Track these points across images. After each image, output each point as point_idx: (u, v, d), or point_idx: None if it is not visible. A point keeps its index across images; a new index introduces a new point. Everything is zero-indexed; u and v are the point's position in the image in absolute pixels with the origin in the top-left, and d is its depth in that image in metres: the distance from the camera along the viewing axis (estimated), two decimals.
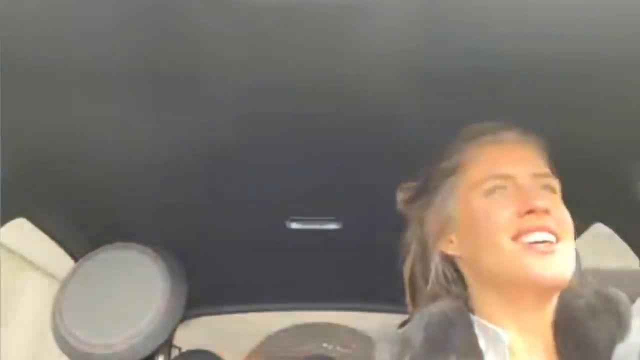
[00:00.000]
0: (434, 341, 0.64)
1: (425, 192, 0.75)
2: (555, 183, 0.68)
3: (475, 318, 0.67)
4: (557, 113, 0.89)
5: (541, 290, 0.62)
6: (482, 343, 0.64)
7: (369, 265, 1.40)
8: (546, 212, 0.62)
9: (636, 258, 1.10)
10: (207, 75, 0.81)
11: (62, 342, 1.10)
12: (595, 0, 0.67)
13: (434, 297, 0.71)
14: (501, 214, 0.63)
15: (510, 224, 0.62)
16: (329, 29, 0.71)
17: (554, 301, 0.65)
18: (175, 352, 1.76)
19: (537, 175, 0.67)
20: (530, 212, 0.62)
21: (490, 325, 0.65)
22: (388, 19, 0.69)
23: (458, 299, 0.70)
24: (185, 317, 1.75)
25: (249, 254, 1.55)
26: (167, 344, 1.70)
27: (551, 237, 0.61)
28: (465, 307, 0.69)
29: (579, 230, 1.19)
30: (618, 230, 1.13)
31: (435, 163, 0.74)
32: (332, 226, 1.38)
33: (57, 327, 1.10)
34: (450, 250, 0.70)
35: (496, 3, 0.67)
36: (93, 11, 0.67)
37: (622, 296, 0.66)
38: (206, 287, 1.51)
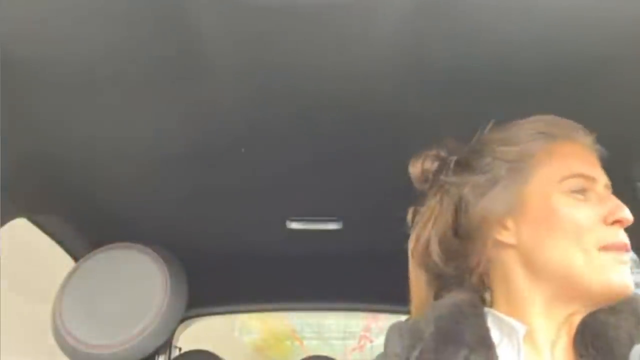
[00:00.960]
0: (444, 334, 0.63)
1: (470, 169, 0.70)
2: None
3: (488, 310, 0.67)
4: (557, 113, 0.89)
5: (613, 297, 0.62)
6: (495, 335, 0.64)
7: (369, 265, 1.40)
8: (628, 224, 0.64)
9: (636, 258, 1.09)
10: (207, 77, 0.81)
11: (62, 342, 1.10)
12: (595, 1, 0.67)
13: (450, 286, 0.70)
14: (587, 217, 0.63)
15: (595, 231, 0.62)
16: (329, 29, 0.71)
17: None
18: (175, 352, 1.76)
19: (607, 187, 0.67)
20: (616, 222, 0.63)
21: (505, 318, 0.65)
22: (388, 18, 0.69)
23: (475, 292, 0.69)
24: (185, 317, 1.75)
25: (249, 254, 1.56)
26: (167, 344, 1.70)
27: (628, 249, 0.63)
28: (480, 300, 0.68)
29: None
30: None
31: (487, 143, 0.71)
32: (332, 226, 1.38)
33: (57, 327, 1.10)
34: (504, 237, 0.67)
35: (495, 3, 0.67)
36: (93, 11, 0.67)
37: None
38: (206, 287, 1.51)
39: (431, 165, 0.74)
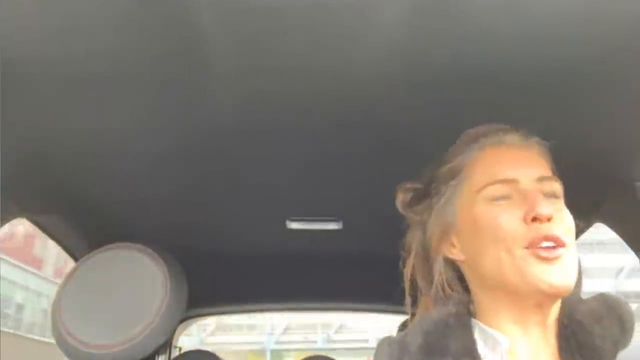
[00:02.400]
0: (431, 346, 0.64)
1: (426, 195, 0.74)
2: (558, 187, 0.68)
3: (476, 322, 0.67)
4: (557, 113, 0.89)
5: (545, 297, 0.62)
6: (481, 347, 0.64)
7: (369, 266, 1.40)
8: (549, 219, 0.62)
9: (636, 258, 1.10)
10: (207, 76, 0.81)
11: (62, 342, 1.09)
12: (594, 1, 0.67)
13: (436, 301, 0.71)
14: (508, 221, 0.63)
15: (518, 232, 0.62)
16: (328, 28, 0.71)
17: (556, 306, 0.65)
18: (175, 352, 1.76)
19: (541, 179, 0.66)
20: (534, 219, 0.62)
21: (489, 330, 0.65)
22: (386, 18, 0.69)
23: (460, 304, 0.69)
24: (185, 317, 1.76)
25: (249, 254, 1.56)
26: (167, 344, 1.70)
27: (553, 244, 0.61)
28: (467, 312, 0.69)
29: (579, 230, 1.20)
30: (618, 230, 1.13)
31: (436, 166, 0.74)
32: (332, 226, 1.38)
33: (56, 327, 1.10)
34: (453, 255, 0.70)
35: (493, 3, 0.67)
36: (93, 11, 0.67)
37: (625, 303, 0.66)
38: (206, 287, 1.51)
39: (404, 197, 0.78)
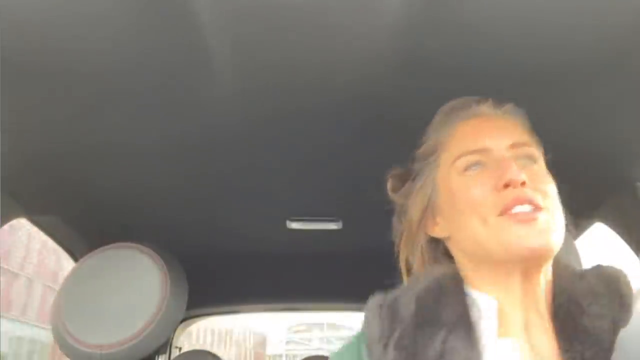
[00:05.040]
0: (424, 314, 0.62)
1: (408, 178, 0.74)
2: (535, 151, 0.66)
3: (468, 287, 0.66)
4: (557, 113, 0.89)
5: (524, 260, 0.60)
6: (474, 313, 0.62)
7: (369, 265, 1.40)
8: (523, 184, 0.61)
9: (636, 258, 1.10)
10: (207, 76, 0.81)
11: (62, 342, 1.09)
12: (594, 3, 0.67)
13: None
14: (480, 190, 0.62)
15: (490, 200, 0.61)
16: (328, 28, 0.71)
17: (545, 275, 0.63)
18: (175, 352, 1.76)
19: (515, 146, 0.65)
20: (506, 185, 0.61)
21: (478, 294, 0.64)
22: (387, 16, 0.69)
23: (453, 269, 0.68)
24: (185, 317, 1.76)
25: (249, 254, 1.56)
26: (167, 344, 1.70)
27: (529, 208, 0.60)
28: (461, 278, 0.67)
29: (579, 230, 1.20)
30: (618, 230, 1.13)
31: (417, 149, 0.74)
32: (332, 226, 1.38)
33: (57, 327, 1.10)
34: (437, 233, 0.69)
35: (492, 2, 0.67)
36: (93, 11, 0.67)
37: (624, 275, 0.63)
38: (206, 287, 1.51)
39: (391, 182, 0.78)
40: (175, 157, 1.06)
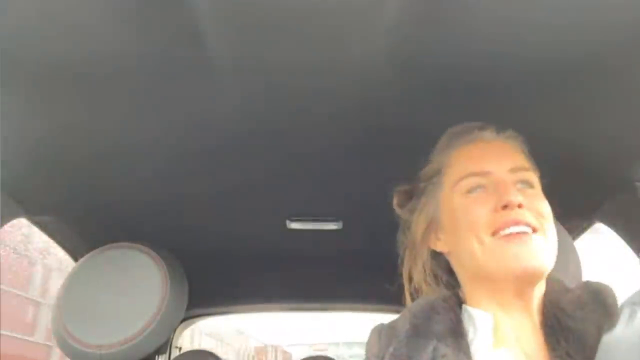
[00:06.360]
0: (417, 329, 0.67)
1: (413, 194, 0.79)
2: (533, 176, 0.71)
3: (464, 307, 0.70)
4: (557, 114, 0.89)
5: (518, 279, 0.64)
6: (469, 329, 0.67)
7: (369, 266, 1.40)
8: (520, 206, 0.65)
9: (636, 258, 1.10)
10: (207, 75, 0.81)
11: (62, 342, 1.10)
12: (592, 3, 0.67)
13: (427, 292, 0.75)
14: (479, 211, 0.66)
15: (488, 220, 0.65)
16: (328, 30, 0.71)
17: (538, 291, 0.67)
18: (175, 352, 1.76)
19: (514, 170, 0.70)
20: (505, 207, 0.65)
21: (474, 310, 0.68)
22: (387, 18, 0.69)
23: (448, 290, 0.73)
24: (185, 317, 1.76)
25: (249, 254, 1.56)
26: (167, 344, 1.70)
27: (526, 229, 0.64)
28: (456, 298, 0.72)
29: (579, 230, 1.20)
30: (618, 230, 1.13)
31: (423, 167, 0.79)
32: (332, 226, 1.38)
33: (57, 327, 1.10)
34: (439, 247, 0.73)
35: (489, 5, 0.67)
36: (94, 10, 0.67)
37: (610, 289, 0.67)
38: (206, 287, 1.51)
39: (398, 198, 0.83)
40: (175, 157, 1.06)
